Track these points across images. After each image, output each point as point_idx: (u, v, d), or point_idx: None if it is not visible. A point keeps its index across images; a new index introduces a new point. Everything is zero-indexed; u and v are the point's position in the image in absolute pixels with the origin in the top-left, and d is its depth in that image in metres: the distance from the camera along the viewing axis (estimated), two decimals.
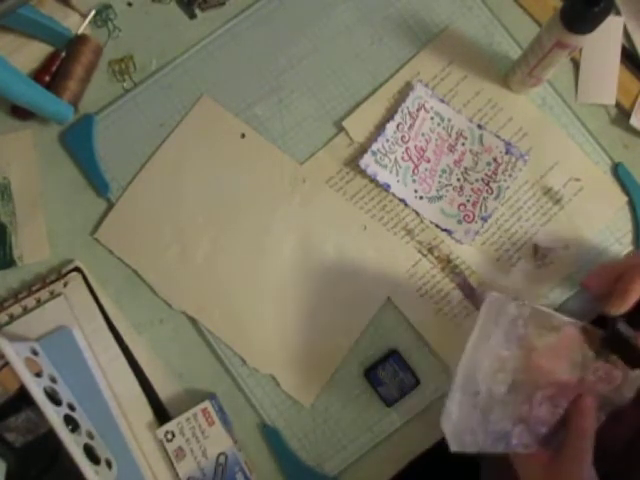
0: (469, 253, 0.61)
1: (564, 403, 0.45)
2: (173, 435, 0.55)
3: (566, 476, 0.42)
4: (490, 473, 0.66)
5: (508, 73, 0.63)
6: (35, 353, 0.53)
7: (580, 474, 0.42)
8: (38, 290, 0.59)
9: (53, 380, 0.53)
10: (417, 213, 0.62)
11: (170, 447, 0.55)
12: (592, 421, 0.44)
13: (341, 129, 0.63)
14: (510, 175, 0.62)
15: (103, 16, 0.66)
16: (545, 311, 0.45)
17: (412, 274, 0.61)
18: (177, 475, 0.54)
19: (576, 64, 0.65)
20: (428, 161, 0.62)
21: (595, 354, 0.45)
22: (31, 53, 0.64)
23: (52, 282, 0.59)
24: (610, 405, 0.45)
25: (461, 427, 0.43)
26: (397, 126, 0.62)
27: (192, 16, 0.66)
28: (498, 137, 0.62)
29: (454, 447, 0.43)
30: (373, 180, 0.61)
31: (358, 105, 0.64)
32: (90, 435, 0.52)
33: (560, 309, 0.61)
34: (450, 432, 0.43)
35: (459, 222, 0.61)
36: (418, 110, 0.62)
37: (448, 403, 0.43)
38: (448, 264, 0.61)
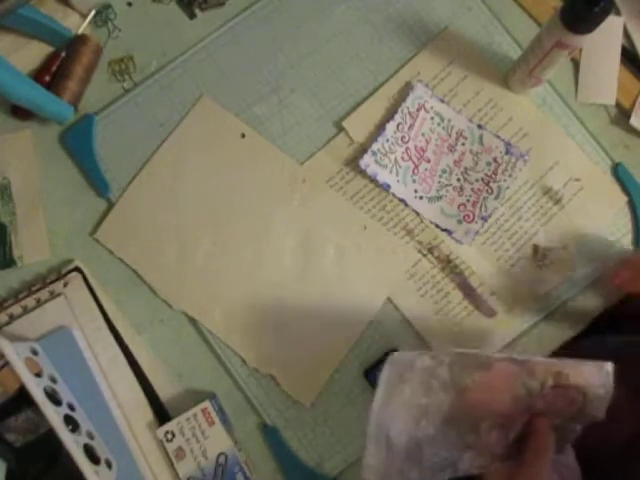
0: (469, 253, 0.61)
1: (517, 426, 0.45)
2: (173, 435, 0.55)
3: None
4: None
5: (508, 73, 0.63)
6: (35, 353, 0.53)
7: None
8: (38, 290, 0.59)
9: (53, 380, 0.53)
10: (417, 213, 0.62)
11: (170, 447, 0.55)
12: (548, 440, 0.43)
13: (341, 129, 0.63)
14: (510, 175, 0.62)
15: (103, 16, 0.66)
16: (469, 352, 0.45)
17: (412, 274, 0.61)
18: (177, 475, 0.54)
19: (576, 64, 0.65)
20: (428, 161, 0.62)
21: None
22: (31, 53, 0.64)
23: (52, 282, 0.59)
24: (573, 428, 0.45)
25: (385, 472, 0.45)
26: (397, 126, 0.62)
27: (192, 16, 0.66)
28: (498, 137, 0.62)
29: None
30: (373, 180, 0.61)
31: (358, 105, 0.64)
32: (90, 435, 0.52)
33: (560, 309, 0.61)
34: (373, 478, 0.44)
35: (459, 222, 0.61)
36: (418, 110, 0.62)
37: (366, 457, 0.44)
38: (448, 264, 0.61)
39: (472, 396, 0.44)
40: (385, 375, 0.44)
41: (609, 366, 0.43)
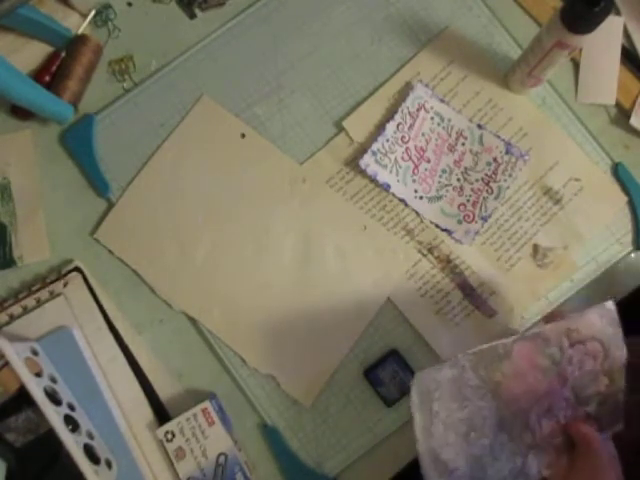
0: (469, 253, 0.61)
1: (561, 408, 0.45)
2: (173, 435, 0.55)
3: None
4: None
5: (508, 73, 0.63)
6: (35, 353, 0.53)
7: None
8: (38, 290, 0.59)
9: (53, 380, 0.53)
10: (417, 213, 0.62)
11: (170, 447, 0.55)
12: (590, 431, 0.44)
13: (341, 129, 0.63)
14: (510, 175, 0.62)
15: (103, 16, 0.66)
16: (484, 348, 0.44)
17: (412, 274, 0.61)
18: (177, 475, 0.54)
19: (576, 64, 0.65)
20: (428, 161, 0.62)
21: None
22: (31, 53, 0.64)
23: (52, 282, 0.59)
24: (616, 391, 0.45)
25: None
26: (397, 126, 0.62)
27: (192, 16, 0.66)
28: (498, 137, 0.62)
29: None
30: (373, 180, 0.61)
31: (358, 105, 0.64)
32: (90, 435, 0.52)
33: (560, 309, 0.61)
34: None
35: (459, 222, 0.61)
36: (418, 110, 0.62)
37: None
38: (448, 264, 0.61)
39: (507, 389, 0.44)
40: (415, 400, 0.43)
41: (609, 304, 0.44)
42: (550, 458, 0.44)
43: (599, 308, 0.45)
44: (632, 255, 0.62)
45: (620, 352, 0.45)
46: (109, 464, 0.52)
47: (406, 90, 0.63)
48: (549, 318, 0.49)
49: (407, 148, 0.62)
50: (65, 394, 0.53)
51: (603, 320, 0.45)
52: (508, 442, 0.44)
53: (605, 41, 0.65)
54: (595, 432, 0.44)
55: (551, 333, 0.45)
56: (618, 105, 0.64)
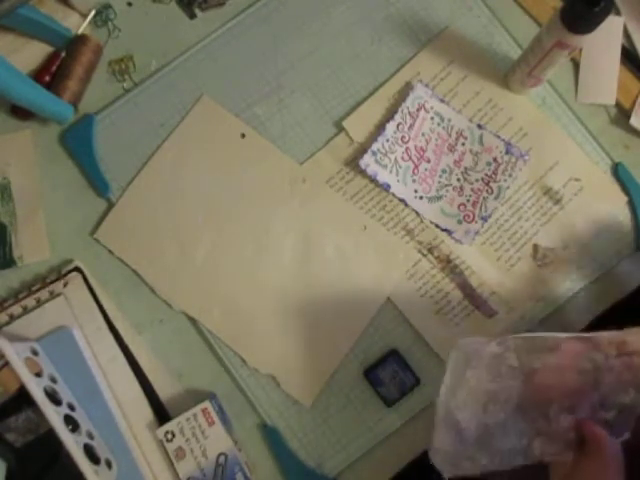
0: (469, 253, 0.61)
1: (584, 409, 0.46)
2: (173, 435, 0.55)
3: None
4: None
5: (508, 73, 0.63)
6: (35, 353, 0.53)
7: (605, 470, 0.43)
8: (38, 290, 0.59)
9: (53, 380, 0.53)
10: (417, 213, 0.62)
11: (170, 447, 0.55)
12: (605, 434, 0.44)
13: (341, 129, 0.63)
14: (510, 175, 0.62)
15: (103, 16, 0.66)
16: (536, 336, 0.46)
17: (412, 274, 0.61)
18: (177, 475, 0.54)
19: (576, 64, 0.65)
20: (428, 161, 0.62)
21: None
22: (31, 53, 0.64)
23: (52, 282, 0.59)
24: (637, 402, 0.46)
25: (454, 457, 0.45)
26: (397, 126, 0.62)
27: (192, 16, 0.66)
28: (498, 137, 0.62)
29: (447, 474, 0.44)
30: (373, 180, 0.61)
31: (358, 105, 0.64)
32: (90, 435, 0.52)
33: (560, 309, 0.61)
34: (440, 462, 0.45)
35: (459, 222, 0.61)
36: (418, 110, 0.62)
37: (434, 441, 0.45)
38: (448, 264, 0.61)
39: (541, 378, 0.45)
40: (452, 361, 0.45)
41: None
42: (558, 448, 0.46)
43: None
44: (632, 255, 0.62)
45: None
46: (109, 464, 0.52)
47: (406, 90, 0.63)
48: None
49: (407, 148, 0.62)
50: (65, 394, 0.53)
51: None
52: (521, 422, 0.45)
53: (605, 41, 0.65)
54: (606, 435, 0.44)
55: (604, 340, 0.46)
56: (618, 105, 0.64)
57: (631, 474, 0.44)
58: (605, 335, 0.46)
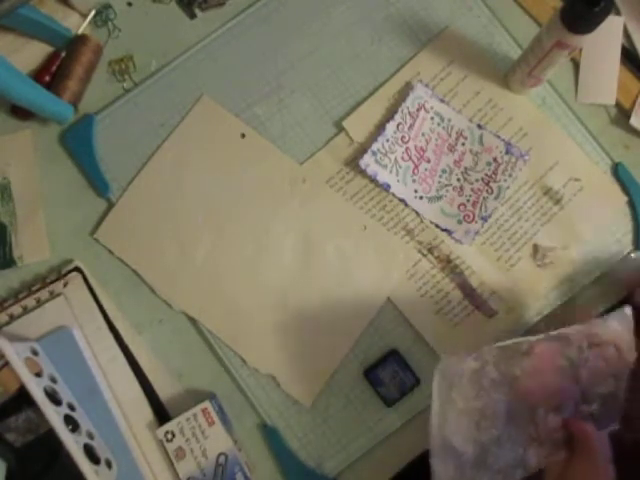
0: (469, 253, 0.61)
1: (568, 406, 0.46)
2: (173, 435, 0.55)
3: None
4: None
5: (508, 73, 0.63)
6: (35, 353, 0.53)
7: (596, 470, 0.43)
8: (38, 290, 0.59)
9: (53, 380, 0.53)
10: (417, 213, 0.62)
11: (170, 447, 0.55)
12: (593, 429, 0.45)
13: (341, 129, 0.63)
14: (510, 175, 0.62)
15: (103, 16, 0.66)
16: (509, 343, 0.46)
17: (412, 274, 0.61)
18: (177, 475, 0.54)
19: (576, 64, 0.65)
20: (428, 161, 0.62)
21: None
22: (31, 53, 0.64)
23: (52, 282, 0.59)
24: (618, 392, 0.47)
25: None
26: (397, 126, 0.62)
27: (192, 16, 0.66)
28: (498, 137, 0.62)
29: None
30: (373, 180, 0.61)
31: (358, 105, 0.64)
32: (90, 435, 0.52)
33: (561, 309, 0.61)
34: None
35: (459, 222, 0.61)
36: (418, 110, 0.62)
37: (435, 473, 0.44)
38: (448, 264, 0.61)
39: (523, 384, 0.45)
40: (436, 387, 0.45)
41: (628, 309, 0.47)
42: (550, 450, 0.46)
43: (619, 314, 0.47)
44: (632, 255, 0.62)
45: (632, 357, 0.47)
46: (109, 464, 0.52)
47: (406, 90, 0.63)
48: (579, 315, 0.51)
49: (407, 148, 0.62)
50: (65, 394, 0.53)
51: (622, 326, 0.47)
52: (514, 433, 0.45)
53: (605, 41, 0.65)
54: (594, 430, 0.45)
55: (574, 335, 0.46)
56: (618, 105, 0.64)
57: (628, 471, 0.44)
58: (573, 329, 0.46)
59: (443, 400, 0.45)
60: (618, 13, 0.66)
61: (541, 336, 0.46)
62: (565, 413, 0.46)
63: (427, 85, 0.64)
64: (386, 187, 0.61)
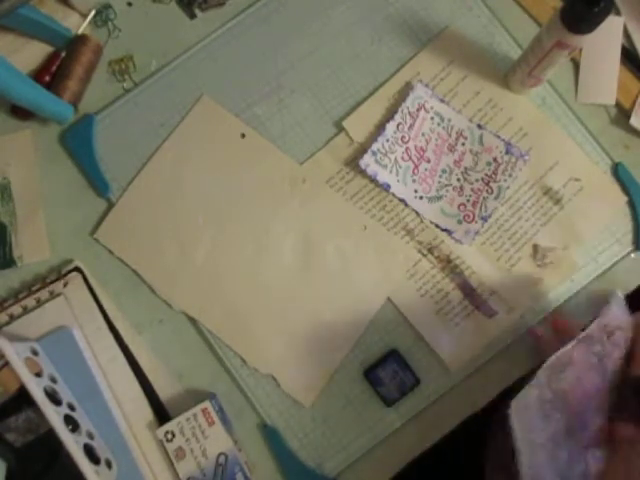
0: (469, 253, 0.61)
1: (605, 401, 0.47)
2: (173, 435, 0.55)
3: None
4: (496, 475, 0.65)
5: (508, 73, 0.63)
6: (35, 353, 0.53)
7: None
8: (38, 290, 0.59)
9: (53, 380, 0.53)
10: (417, 213, 0.62)
11: (170, 447, 0.55)
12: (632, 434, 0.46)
13: (341, 129, 0.63)
14: (510, 175, 0.62)
15: (103, 16, 0.66)
16: (553, 359, 0.47)
17: (412, 274, 0.61)
18: (177, 475, 0.54)
19: (576, 64, 0.65)
20: (428, 161, 0.62)
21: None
22: (31, 53, 0.64)
23: (52, 282, 0.59)
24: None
25: None
26: (397, 126, 0.62)
27: (192, 16, 0.66)
28: (498, 137, 0.62)
29: None
30: (373, 180, 0.61)
31: (358, 105, 0.64)
32: (90, 435, 0.52)
33: (560, 309, 0.61)
34: None
35: (459, 222, 0.61)
36: (418, 110, 0.62)
37: None
38: (448, 264, 0.61)
39: (572, 395, 0.46)
40: (516, 430, 0.45)
41: (619, 292, 0.50)
42: (603, 454, 0.46)
43: (615, 299, 0.49)
44: (632, 255, 0.62)
45: (628, 334, 0.49)
46: (109, 464, 0.52)
47: (406, 90, 0.63)
48: (556, 325, 0.53)
49: (407, 148, 0.62)
50: (65, 394, 0.53)
51: (621, 309, 0.49)
52: (575, 450, 0.46)
53: (605, 41, 0.65)
54: (633, 435, 0.45)
55: (593, 331, 0.47)
56: (618, 105, 0.64)
57: None
58: (593, 327, 0.48)
59: (526, 442, 0.45)
60: (618, 13, 0.66)
61: (574, 342, 0.46)
62: (605, 409, 0.47)
63: (427, 85, 0.64)
64: (386, 187, 0.61)
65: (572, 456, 0.46)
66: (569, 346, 0.46)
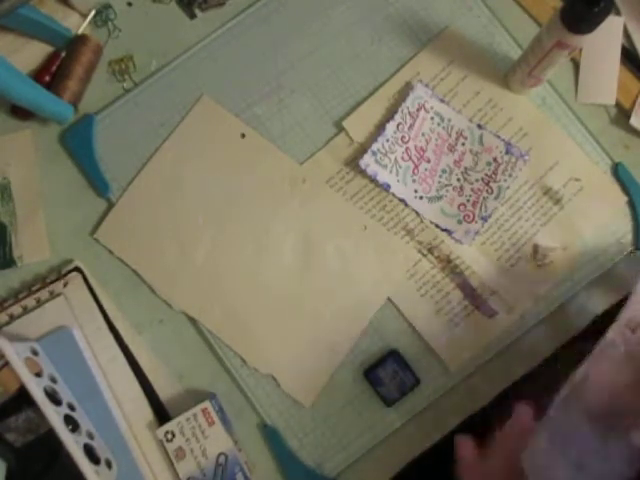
0: (469, 253, 0.61)
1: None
2: (173, 435, 0.55)
3: None
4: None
5: (508, 73, 0.63)
6: (35, 353, 0.53)
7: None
8: (38, 290, 0.59)
9: (53, 380, 0.53)
10: (417, 213, 0.62)
11: (170, 447, 0.55)
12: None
13: (341, 129, 0.63)
14: (510, 175, 0.62)
15: (103, 16, 0.66)
16: (566, 389, 0.46)
17: (412, 274, 0.61)
18: (177, 475, 0.54)
19: (576, 64, 0.65)
20: (428, 161, 0.62)
21: None
22: (31, 53, 0.64)
23: (52, 282, 0.59)
24: None
25: None
26: (397, 126, 0.62)
27: (192, 16, 0.66)
28: (498, 137, 0.62)
29: None
30: (373, 180, 0.61)
31: (358, 105, 0.64)
32: (90, 435, 0.52)
33: (561, 309, 0.61)
34: None
35: (459, 222, 0.61)
36: (418, 110, 0.62)
37: None
38: (448, 264, 0.61)
39: (595, 410, 0.45)
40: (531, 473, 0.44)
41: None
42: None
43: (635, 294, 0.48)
44: (632, 255, 0.62)
45: None
46: (109, 464, 0.52)
47: (406, 90, 0.63)
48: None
49: (407, 148, 0.62)
50: (65, 394, 0.53)
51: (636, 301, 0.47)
52: (610, 449, 0.44)
53: (605, 41, 0.65)
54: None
55: (613, 334, 0.46)
56: (618, 105, 0.64)
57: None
58: (611, 332, 0.47)
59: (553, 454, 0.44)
60: (618, 13, 0.66)
61: (587, 360, 0.45)
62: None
63: (427, 85, 0.64)
64: (386, 187, 0.61)
65: (611, 449, 0.44)
66: (582, 367, 0.45)
